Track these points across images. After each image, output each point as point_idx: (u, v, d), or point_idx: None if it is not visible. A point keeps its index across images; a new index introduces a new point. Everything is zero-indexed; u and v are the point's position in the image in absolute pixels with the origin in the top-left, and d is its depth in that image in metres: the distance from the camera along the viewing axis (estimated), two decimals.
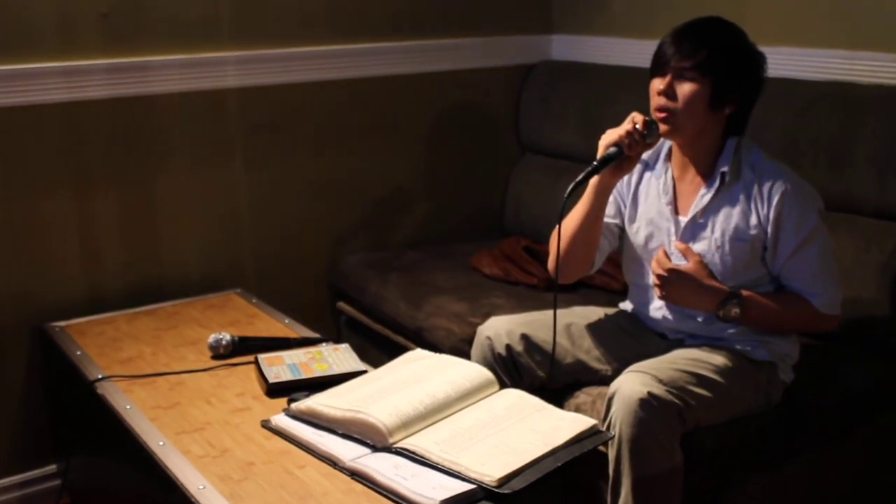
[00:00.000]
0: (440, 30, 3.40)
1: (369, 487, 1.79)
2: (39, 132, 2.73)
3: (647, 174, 2.36)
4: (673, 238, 2.28)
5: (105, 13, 2.77)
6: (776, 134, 2.66)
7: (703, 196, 2.24)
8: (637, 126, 2.14)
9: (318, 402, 2.00)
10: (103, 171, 2.85)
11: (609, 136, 2.16)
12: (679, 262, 2.23)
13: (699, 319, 2.28)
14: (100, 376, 2.34)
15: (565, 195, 2.09)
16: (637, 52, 2.68)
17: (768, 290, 2.26)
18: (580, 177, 2.14)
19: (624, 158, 2.17)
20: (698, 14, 2.24)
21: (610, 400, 2.06)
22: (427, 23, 3.37)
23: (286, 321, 2.72)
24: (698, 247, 2.24)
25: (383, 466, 1.81)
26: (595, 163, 2.15)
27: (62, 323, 2.74)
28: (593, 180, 2.22)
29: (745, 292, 2.20)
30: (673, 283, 2.19)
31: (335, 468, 1.86)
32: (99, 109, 2.81)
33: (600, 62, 3.41)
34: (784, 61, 2.77)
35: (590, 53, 3.48)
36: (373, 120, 3.33)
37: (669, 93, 2.17)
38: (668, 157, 2.33)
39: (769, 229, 2.19)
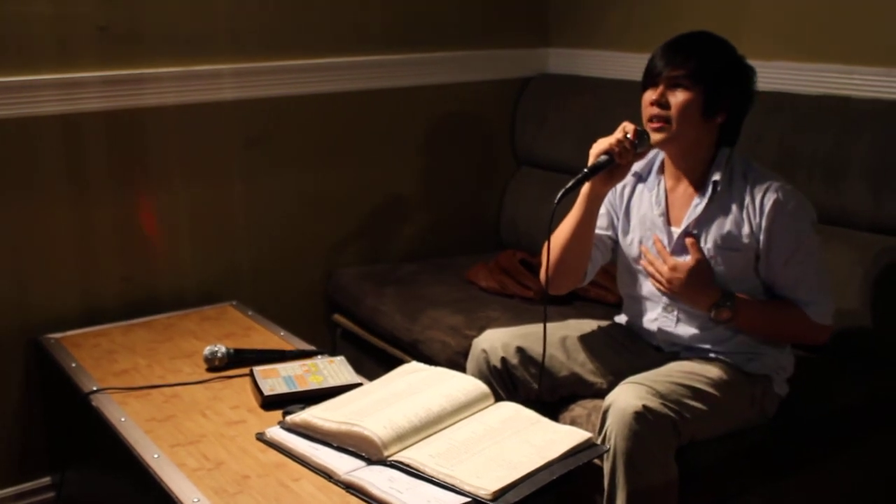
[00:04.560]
0: (437, 43, 3.41)
1: (364, 501, 1.79)
2: (36, 144, 2.74)
3: (640, 186, 2.37)
4: (667, 249, 2.29)
5: (103, 26, 2.77)
6: (772, 147, 2.66)
7: (697, 206, 2.25)
8: (628, 135, 2.16)
9: (313, 415, 2.00)
10: (99, 182, 2.85)
11: (600, 145, 2.17)
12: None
13: (703, 331, 2.28)
14: (95, 388, 2.34)
15: (555, 201, 2.10)
16: (633, 65, 2.69)
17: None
18: (570, 183, 2.14)
19: (615, 167, 2.18)
20: (695, 28, 2.26)
21: (605, 413, 2.06)
22: (424, 36, 3.38)
23: (282, 333, 2.72)
24: (692, 257, 2.24)
25: (378, 480, 1.81)
26: (585, 170, 2.16)
27: (57, 335, 2.74)
28: (585, 189, 2.23)
29: (739, 295, 2.20)
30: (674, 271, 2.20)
31: (330, 481, 1.86)
32: (96, 121, 2.81)
33: (597, 76, 3.42)
34: (780, 75, 2.78)
35: (586, 67, 3.49)
36: (369, 133, 3.33)
37: (662, 102, 2.18)
38: (661, 169, 2.34)
39: (761, 238, 2.19)
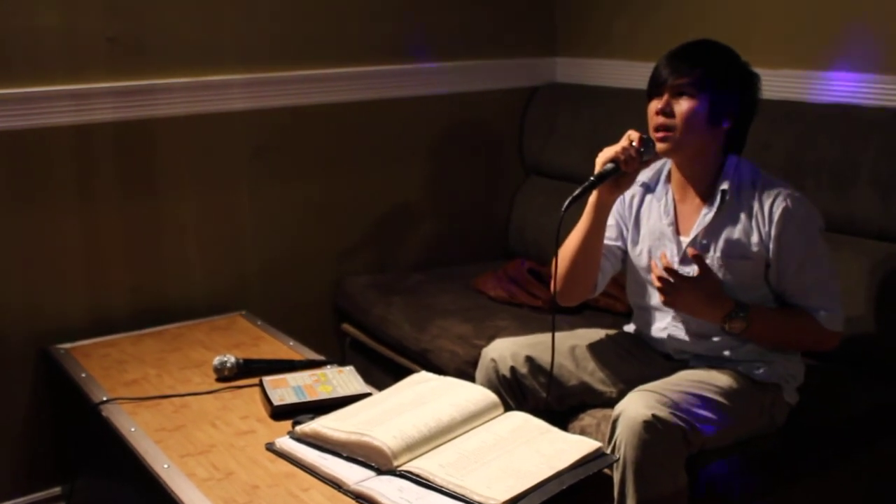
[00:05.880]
0: (445, 53, 3.42)
1: None
2: (47, 155, 2.75)
3: (649, 197, 2.37)
4: (676, 259, 2.29)
5: (112, 37, 2.78)
6: (780, 156, 2.66)
7: (706, 216, 2.25)
8: (633, 143, 2.16)
9: (322, 425, 2.00)
10: (109, 193, 2.86)
11: (606, 154, 2.17)
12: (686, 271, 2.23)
13: (714, 339, 2.28)
14: (104, 398, 2.35)
15: (562, 210, 2.10)
16: (640, 74, 2.70)
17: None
18: (576, 192, 2.14)
19: (621, 175, 2.18)
20: (702, 36, 2.26)
21: (614, 422, 2.06)
22: (431, 46, 3.39)
23: (291, 343, 2.72)
24: (697, 271, 2.24)
25: (388, 489, 1.81)
26: (591, 178, 2.16)
27: (67, 345, 2.74)
28: (592, 198, 2.23)
29: (751, 306, 2.20)
30: (679, 289, 2.19)
31: (340, 491, 1.86)
32: (106, 132, 2.82)
33: (604, 85, 3.42)
34: (788, 84, 2.78)
35: (594, 76, 3.50)
36: (378, 142, 3.34)
37: (667, 111, 2.19)
38: (669, 178, 2.34)
39: (771, 246, 2.19)
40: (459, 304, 3.04)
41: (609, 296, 2.92)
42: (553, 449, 1.92)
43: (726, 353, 2.28)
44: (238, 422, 2.22)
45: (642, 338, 2.45)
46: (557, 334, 2.26)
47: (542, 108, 3.57)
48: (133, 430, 2.18)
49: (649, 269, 2.33)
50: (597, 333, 2.47)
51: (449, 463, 1.86)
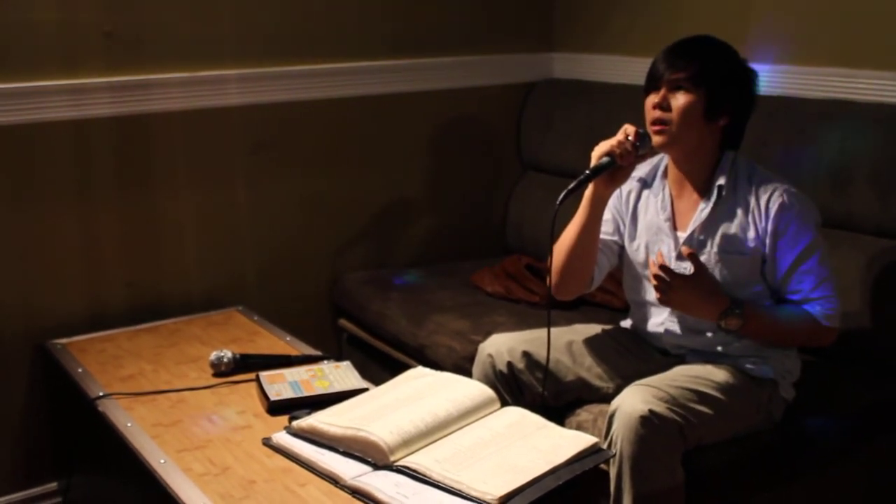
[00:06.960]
0: (442, 48, 3.42)
1: None
2: (43, 150, 2.74)
3: (646, 192, 2.37)
4: (673, 254, 2.29)
5: (108, 32, 2.78)
6: (777, 152, 2.66)
7: (702, 211, 2.25)
8: (629, 137, 2.16)
9: (319, 420, 2.00)
10: (106, 188, 2.85)
11: (601, 147, 2.17)
12: (681, 270, 2.23)
13: (708, 334, 2.28)
14: (101, 394, 2.35)
15: (557, 202, 2.10)
16: (638, 70, 2.70)
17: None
18: (572, 185, 2.14)
19: (616, 169, 2.18)
20: (699, 32, 2.26)
21: (611, 417, 2.06)
22: (429, 41, 3.39)
23: (288, 339, 2.72)
24: (692, 268, 2.24)
25: (384, 485, 1.81)
26: (587, 171, 2.16)
27: (64, 340, 2.74)
28: (588, 192, 2.23)
29: (746, 303, 2.20)
30: (675, 288, 2.19)
31: (336, 486, 1.86)
32: (102, 127, 2.81)
33: (602, 80, 3.42)
34: (785, 79, 2.78)
35: (591, 71, 3.49)
36: (375, 138, 3.34)
37: (664, 105, 2.18)
38: (666, 174, 2.34)
39: (767, 242, 2.19)
40: (457, 300, 3.04)
41: (606, 291, 2.92)
42: (549, 444, 1.92)
43: (722, 348, 2.28)
44: (235, 417, 2.22)
45: (639, 333, 2.45)
46: (554, 330, 2.26)
47: (540, 103, 3.56)
48: (129, 425, 2.18)
49: (646, 265, 2.33)
50: (593, 329, 2.47)
51: (445, 458, 1.86)
